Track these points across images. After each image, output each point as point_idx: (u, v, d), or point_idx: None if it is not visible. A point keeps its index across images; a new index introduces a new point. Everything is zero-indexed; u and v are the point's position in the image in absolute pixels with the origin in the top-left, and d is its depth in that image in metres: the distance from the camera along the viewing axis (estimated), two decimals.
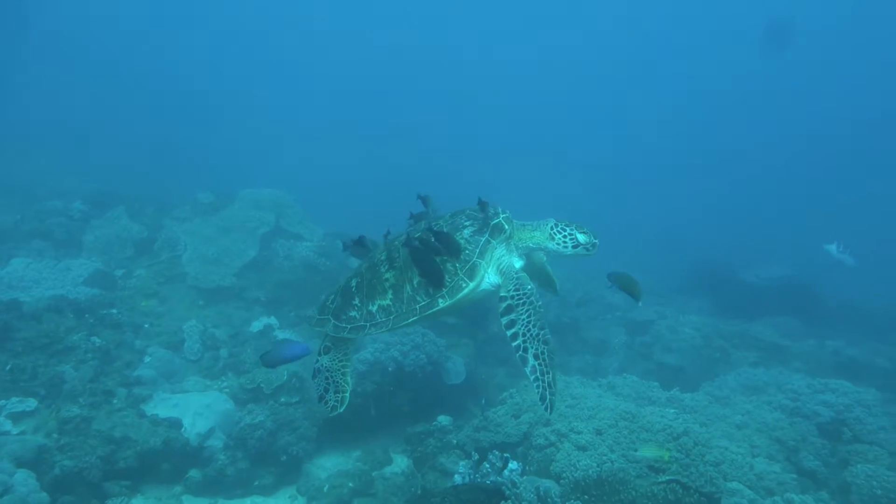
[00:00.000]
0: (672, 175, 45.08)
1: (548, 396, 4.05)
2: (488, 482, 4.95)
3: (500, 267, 4.50)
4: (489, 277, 4.48)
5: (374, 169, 36.21)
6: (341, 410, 5.01)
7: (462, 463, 6.51)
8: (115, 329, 10.65)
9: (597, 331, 14.29)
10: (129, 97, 40.16)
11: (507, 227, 4.55)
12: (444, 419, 9.33)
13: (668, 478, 6.24)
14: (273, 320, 12.10)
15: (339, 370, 5.05)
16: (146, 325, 11.30)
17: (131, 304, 11.89)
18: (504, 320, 4.29)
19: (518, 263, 4.61)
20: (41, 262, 12.63)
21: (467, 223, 4.59)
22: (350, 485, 8.34)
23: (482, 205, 4.58)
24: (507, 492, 4.79)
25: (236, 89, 49.14)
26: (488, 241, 4.44)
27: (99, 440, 8.07)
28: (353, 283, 4.81)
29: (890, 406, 9.78)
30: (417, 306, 4.39)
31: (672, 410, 8.25)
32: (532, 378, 4.09)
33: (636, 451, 7.05)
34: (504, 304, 4.33)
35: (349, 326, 4.64)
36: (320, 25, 57.36)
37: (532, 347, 4.13)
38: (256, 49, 55.39)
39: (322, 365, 5.11)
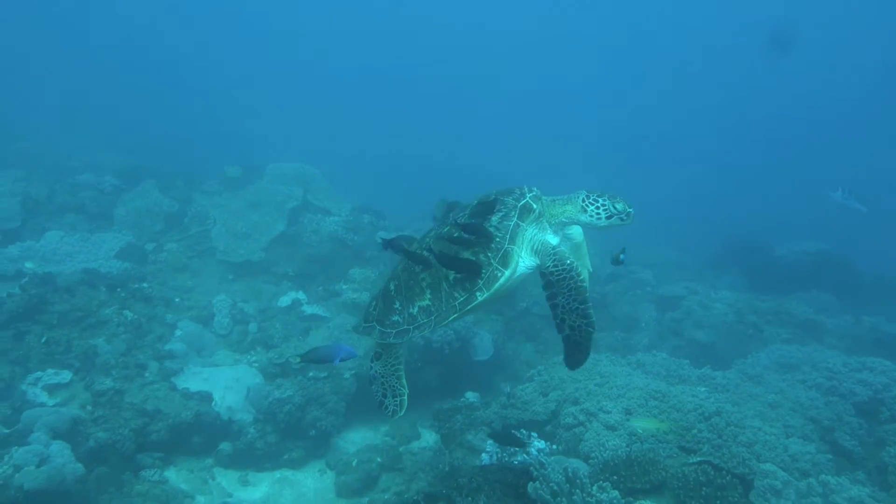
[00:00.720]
0: (700, 149, 44.18)
1: (576, 360, 4.14)
2: (516, 462, 4.91)
3: (535, 247, 4.38)
4: (524, 261, 4.36)
5: (398, 145, 36.05)
6: (402, 414, 5.01)
7: (490, 441, 6.48)
8: (146, 303, 10.78)
9: (626, 306, 14.10)
10: (159, 73, 40.31)
11: (535, 206, 4.41)
12: (471, 395, 9.32)
13: (699, 458, 6.14)
14: (301, 295, 12.15)
15: (392, 374, 5.00)
16: (177, 300, 11.42)
17: (162, 279, 12.02)
18: (546, 293, 4.25)
19: (554, 240, 4.47)
20: (74, 235, 12.83)
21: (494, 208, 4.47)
22: (378, 459, 8.39)
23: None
24: (535, 472, 4.73)
25: (261, 66, 49.02)
26: (517, 225, 4.31)
27: (132, 413, 8.22)
28: (392, 286, 4.73)
29: None
30: (457, 303, 4.30)
31: (703, 389, 8.12)
32: (566, 344, 4.14)
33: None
34: (545, 280, 4.27)
35: (394, 331, 4.58)
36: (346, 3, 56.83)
37: (570, 320, 4.11)
38: (281, 29, 55.17)
39: (376, 372, 5.07)
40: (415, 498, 4.48)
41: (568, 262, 4.25)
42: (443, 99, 50.24)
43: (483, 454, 6.30)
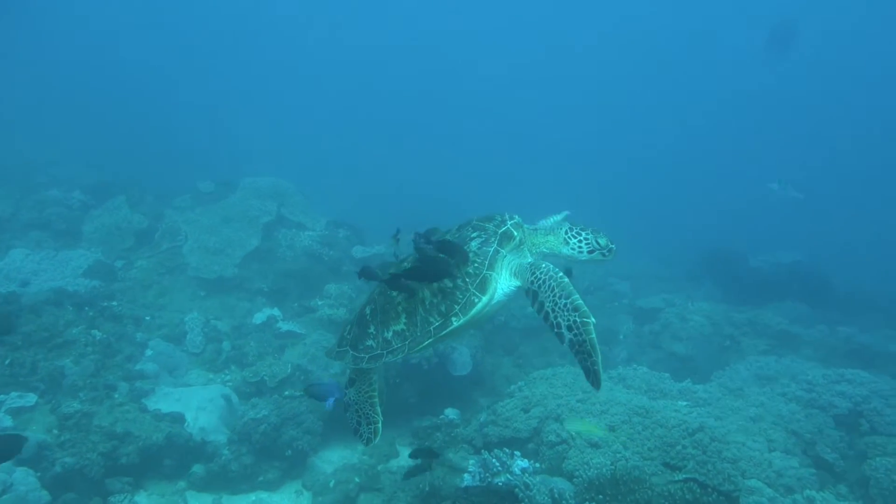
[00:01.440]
0: (677, 164, 44.64)
1: (591, 369, 3.78)
2: (499, 482, 4.77)
3: (513, 270, 4.34)
4: (503, 286, 4.31)
5: (376, 158, 35.98)
6: (376, 441, 4.90)
7: (472, 461, 6.34)
8: (115, 322, 10.48)
9: (604, 319, 14.06)
10: (126, 84, 39.73)
11: (516, 233, 4.39)
12: (451, 412, 9.16)
13: (684, 476, 6.06)
14: (276, 311, 11.93)
15: (366, 402, 4.90)
16: (147, 318, 11.12)
17: (132, 296, 11.71)
18: (534, 308, 4.13)
19: (529, 259, 4.43)
20: (40, 253, 12.46)
21: (474, 234, 4.40)
22: (356, 480, 8.19)
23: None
24: (521, 494, 4.62)
25: (234, 77, 48.68)
26: (497, 252, 4.27)
27: (100, 436, 7.92)
28: (368, 310, 4.67)
29: None
30: (431, 328, 4.23)
31: (684, 403, 8.08)
32: (573, 353, 3.87)
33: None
34: (529, 296, 4.18)
35: (367, 356, 4.50)
36: (322, 16, 56.75)
37: (563, 319, 3.90)
38: (256, 37, 54.86)
39: (350, 399, 4.98)
40: None
41: (544, 266, 4.20)
42: (426, 115, 50.35)
43: (465, 474, 6.15)
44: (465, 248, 4.25)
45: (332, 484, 8.18)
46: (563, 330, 3.88)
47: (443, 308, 4.21)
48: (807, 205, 14.89)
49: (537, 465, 6.30)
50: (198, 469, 8.30)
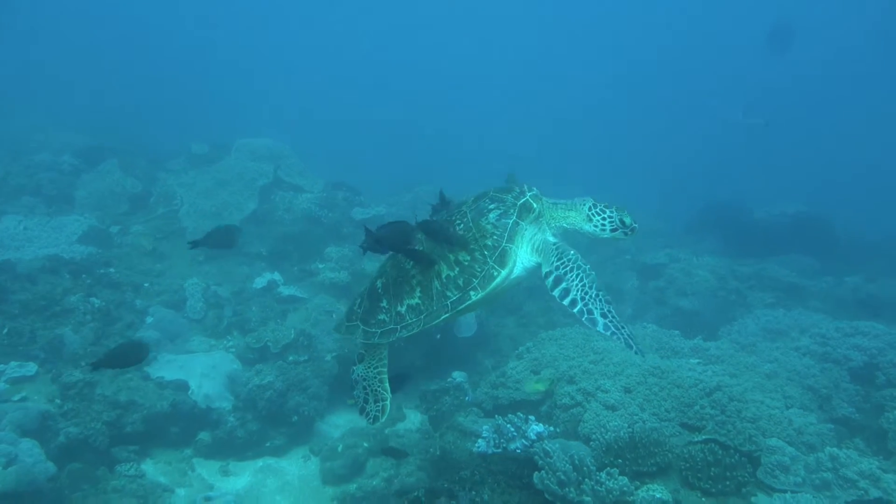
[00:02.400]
0: (676, 115, 43.99)
1: (633, 345, 3.77)
2: (514, 447, 4.66)
3: (535, 246, 4.19)
4: (522, 261, 4.17)
5: (374, 121, 35.38)
6: (383, 420, 4.78)
7: (485, 426, 6.23)
8: (113, 289, 10.28)
9: (608, 276, 13.93)
10: (115, 44, 38.79)
11: (535, 205, 4.24)
12: (458, 375, 9.06)
13: (704, 437, 5.96)
14: (277, 276, 11.75)
15: (375, 378, 4.76)
16: (146, 284, 10.92)
17: (129, 263, 11.49)
18: (556, 292, 4.00)
19: (552, 239, 4.28)
20: (33, 219, 12.19)
21: (492, 206, 4.24)
22: (365, 444, 8.11)
23: (510, 179, 4.37)
24: (540, 461, 4.50)
25: (226, 38, 47.56)
26: (517, 224, 4.13)
27: (104, 405, 7.80)
28: (379, 283, 4.50)
29: None
30: (448, 302, 4.09)
31: (696, 361, 7.97)
32: (608, 334, 3.83)
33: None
34: (551, 278, 4.03)
35: (379, 331, 4.37)
36: None
37: (596, 308, 3.87)
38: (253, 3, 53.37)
39: (358, 375, 4.84)
40: (416, 494, 4.21)
41: (571, 253, 4.09)
42: (426, 78, 49.32)
43: (479, 440, 6.04)
44: (484, 220, 4.14)
45: (340, 449, 8.11)
46: (597, 317, 3.87)
47: (461, 282, 4.08)
48: (770, 131, 14.48)
49: (552, 429, 6.20)
50: (204, 436, 8.23)
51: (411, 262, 4.25)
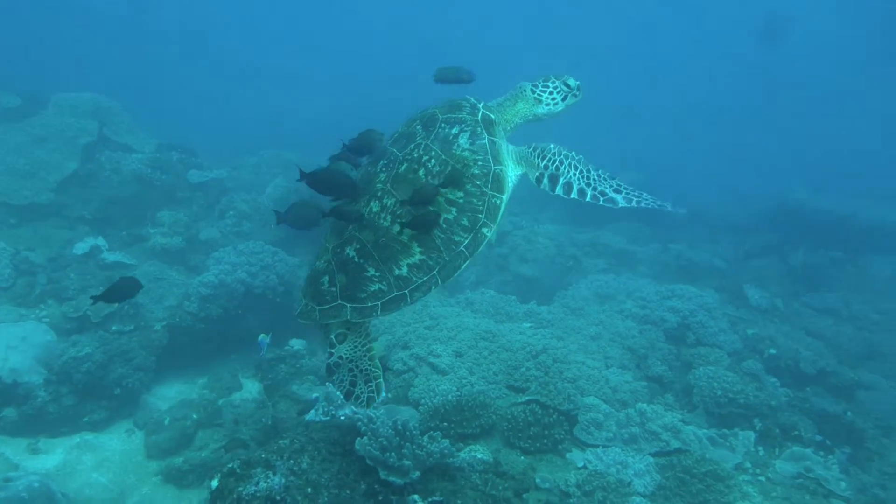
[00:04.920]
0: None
1: (664, 205, 3.80)
2: (342, 414, 4.60)
3: (516, 158, 4.05)
4: (511, 178, 3.99)
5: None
6: (379, 400, 4.36)
7: (315, 394, 6.13)
8: None
9: None
10: None
11: (493, 116, 4.02)
12: (297, 343, 8.88)
13: (527, 398, 6.24)
14: (101, 241, 10.82)
15: (363, 356, 4.26)
16: None
17: None
18: (559, 190, 3.91)
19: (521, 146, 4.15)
20: None
21: (454, 130, 3.89)
22: (194, 416, 7.78)
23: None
24: (363, 427, 4.46)
25: None
26: (492, 141, 3.87)
27: None
28: (351, 251, 3.88)
29: (727, 306, 10.52)
30: (462, 247, 3.72)
31: (528, 324, 8.32)
32: (633, 205, 3.81)
33: None
34: (545, 179, 3.94)
35: (379, 303, 3.79)
36: None
37: (608, 187, 3.84)
38: None
39: (341, 356, 4.27)
40: (231, 465, 4.03)
41: (551, 146, 4.01)
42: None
43: (311, 411, 5.93)
44: (455, 147, 3.82)
45: (167, 421, 7.72)
46: (612, 194, 3.84)
47: (465, 221, 3.73)
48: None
49: (383, 394, 6.23)
50: (9, 413, 7.54)
51: (392, 218, 3.78)
